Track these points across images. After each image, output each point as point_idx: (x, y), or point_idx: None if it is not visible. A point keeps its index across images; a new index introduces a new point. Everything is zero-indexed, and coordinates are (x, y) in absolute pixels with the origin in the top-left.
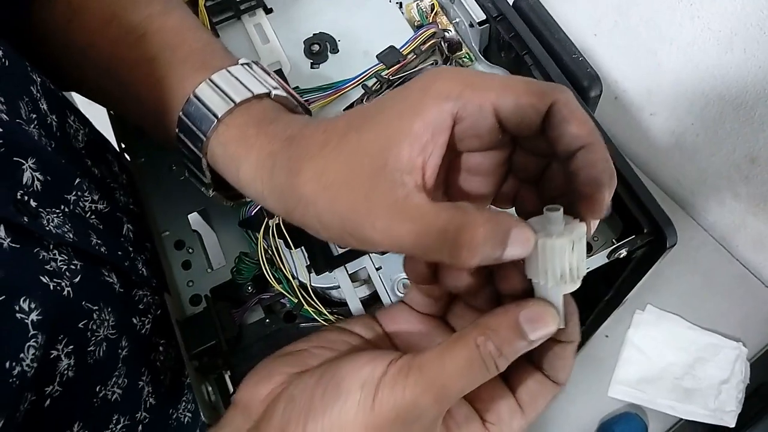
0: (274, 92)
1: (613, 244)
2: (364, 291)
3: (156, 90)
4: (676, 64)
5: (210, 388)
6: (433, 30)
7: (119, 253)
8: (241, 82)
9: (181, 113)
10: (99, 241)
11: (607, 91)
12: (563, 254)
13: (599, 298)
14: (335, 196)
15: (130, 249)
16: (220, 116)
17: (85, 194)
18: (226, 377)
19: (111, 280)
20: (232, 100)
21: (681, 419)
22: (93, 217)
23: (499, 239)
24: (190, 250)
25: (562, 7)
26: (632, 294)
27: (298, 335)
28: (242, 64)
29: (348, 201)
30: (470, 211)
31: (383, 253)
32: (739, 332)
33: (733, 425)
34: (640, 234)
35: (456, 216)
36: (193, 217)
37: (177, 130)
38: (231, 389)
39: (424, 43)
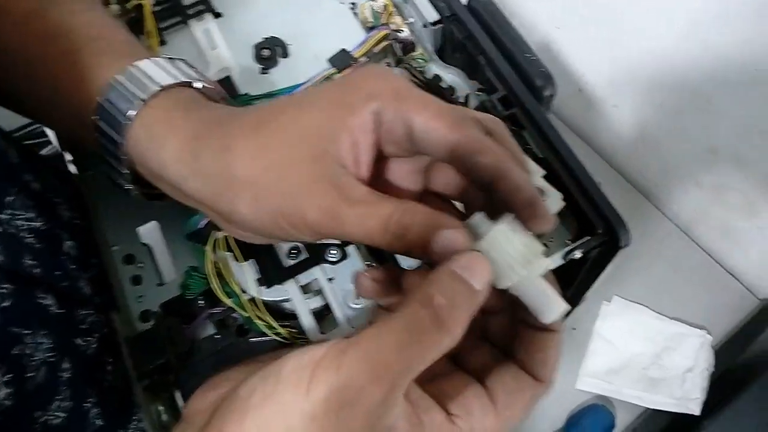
0: (195, 84)
1: (567, 245)
2: (317, 302)
3: (78, 80)
4: (636, 55)
5: (161, 408)
6: (385, 32)
7: (57, 272)
8: (166, 70)
9: (101, 99)
10: (33, 262)
11: (572, 84)
12: (505, 242)
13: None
14: (279, 175)
15: (72, 267)
16: (145, 98)
17: (19, 212)
18: (177, 396)
19: (47, 302)
20: (158, 84)
21: (648, 409)
22: (29, 235)
23: (433, 227)
24: (140, 265)
25: (524, 1)
26: (598, 286)
27: (248, 350)
28: (167, 58)
29: (292, 180)
30: (408, 202)
31: (335, 263)
32: (704, 320)
33: (698, 413)
34: (594, 235)
35: (397, 204)
36: (144, 230)
37: (96, 118)
38: (181, 408)
39: (376, 45)
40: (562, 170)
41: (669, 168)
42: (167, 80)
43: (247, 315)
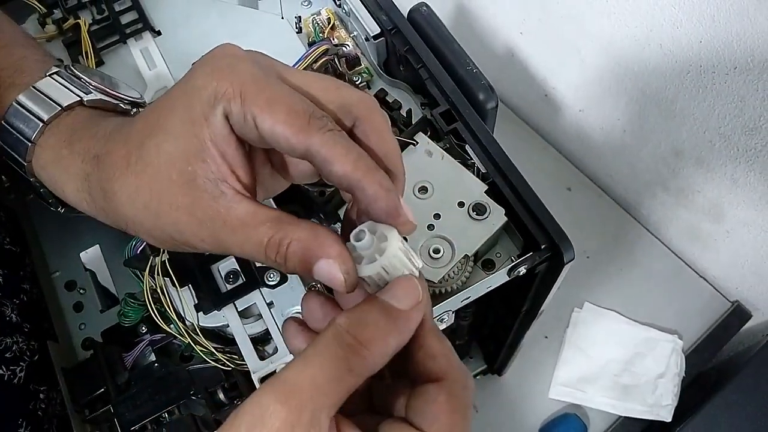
0: (86, 98)
1: (511, 261)
2: (257, 327)
3: None
4: (598, 60)
5: None
6: (325, 47)
7: None
8: (49, 98)
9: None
10: None
11: (538, 89)
12: (396, 260)
13: (518, 311)
14: (157, 215)
15: None
16: (32, 139)
17: None
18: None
19: None
20: (41, 120)
21: (620, 417)
22: None
23: (310, 255)
24: (82, 291)
25: (487, 6)
26: (569, 293)
27: (187, 378)
28: (52, 74)
29: (170, 218)
30: (287, 223)
31: (274, 287)
32: (675, 324)
33: (669, 419)
34: (537, 250)
35: (274, 228)
36: (86, 256)
37: (5, 158)
38: None
39: (316, 61)
40: (504, 185)
41: (636, 172)
42: (49, 112)
43: (187, 342)
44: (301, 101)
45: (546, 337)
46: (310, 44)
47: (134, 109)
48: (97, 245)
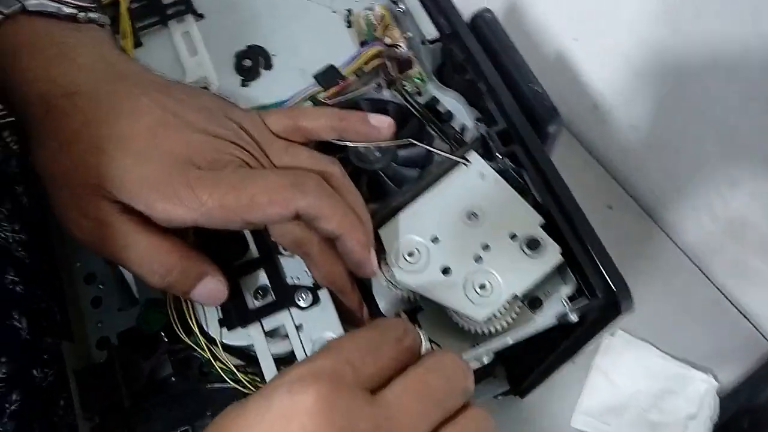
0: (27, 3)
1: (564, 305)
2: (283, 347)
3: None
4: (656, 77)
5: None
6: (378, 48)
7: (39, 292)
8: None
9: None
10: (17, 278)
11: (587, 99)
12: None
13: (556, 346)
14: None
15: (48, 288)
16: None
17: (5, 223)
18: None
19: (19, 325)
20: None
21: None
22: (20, 249)
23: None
24: (101, 286)
25: (541, 6)
26: None
27: (207, 398)
28: None
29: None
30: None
31: (304, 309)
32: (711, 362)
33: None
34: (593, 297)
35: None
36: None
37: None
38: None
39: (367, 62)
40: (562, 221)
41: (684, 197)
42: None
43: (207, 357)
44: (281, 175)
45: (573, 362)
46: (362, 43)
47: (81, 13)
48: None
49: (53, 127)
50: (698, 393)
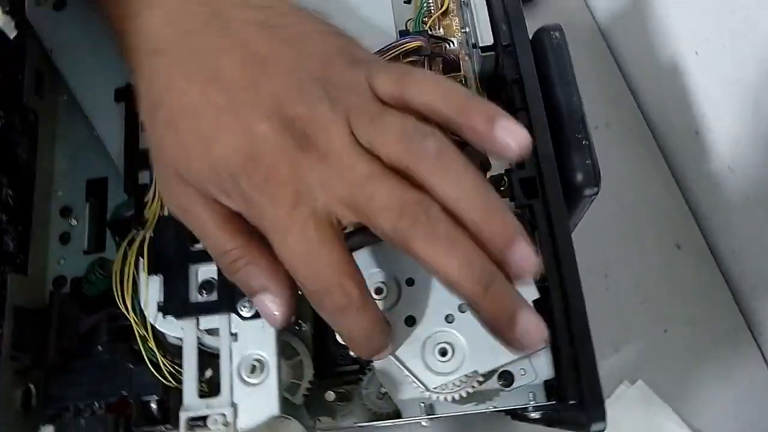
0: None
1: (530, 397)
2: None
3: None
4: None
5: (34, 391)
6: (418, 43)
7: None
8: None
9: None
10: None
11: (690, 123)
12: None
13: None
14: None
15: (3, 217)
16: None
17: None
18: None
19: None
20: None
21: None
22: None
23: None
24: (75, 222)
25: (669, 10)
26: (620, 361)
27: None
28: None
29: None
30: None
31: (246, 319)
32: None
33: None
34: (562, 401)
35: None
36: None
37: None
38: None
39: (404, 56)
40: (560, 306)
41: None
42: None
43: (142, 333)
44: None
45: None
46: (402, 33)
47: None
48: (107, 177)
49: (141, 90)
50: None
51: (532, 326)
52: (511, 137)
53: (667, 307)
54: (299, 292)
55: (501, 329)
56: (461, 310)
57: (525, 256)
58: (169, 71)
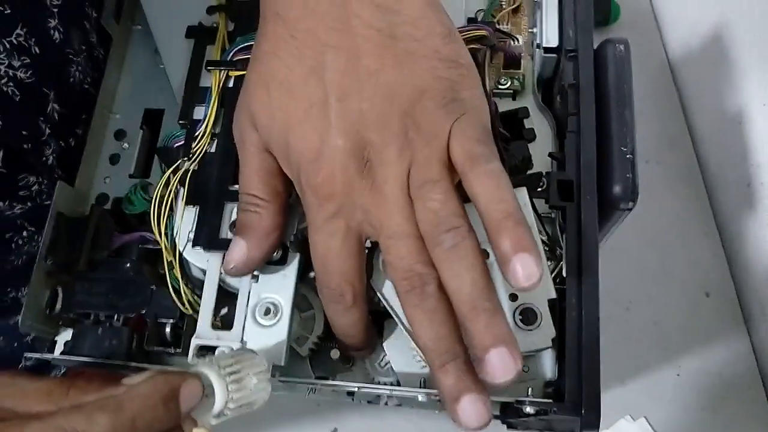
0: None
1: (528, 392)
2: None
3: None
4: None
5: (61, 294)
6: (483, 32)
7: (24, 132)
8: None
9: None
10: None
11: (744, 173)
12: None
13: None
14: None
15: (47, 130)
16: None
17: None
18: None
19: None
20: None
21: None
22: (9, 84)
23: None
24: (127, 146)
25: (742, 57)
26: (625, 394)
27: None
28: None
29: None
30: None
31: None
32: None
33: None
34: (559, 401)
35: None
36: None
37: None
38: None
39: (467, 43)
40: (574, 310)
41: None
42: None
43: (170, 259)
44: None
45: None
46: (470, 20)
47: None
48: (165, 109)
49: (258, 38)
50: None
51: (474, 412)
52: (522, 274)
53: (684, 351)
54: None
55: (445, 403)
56: None
57: (496, 366)
58: (282, 39)
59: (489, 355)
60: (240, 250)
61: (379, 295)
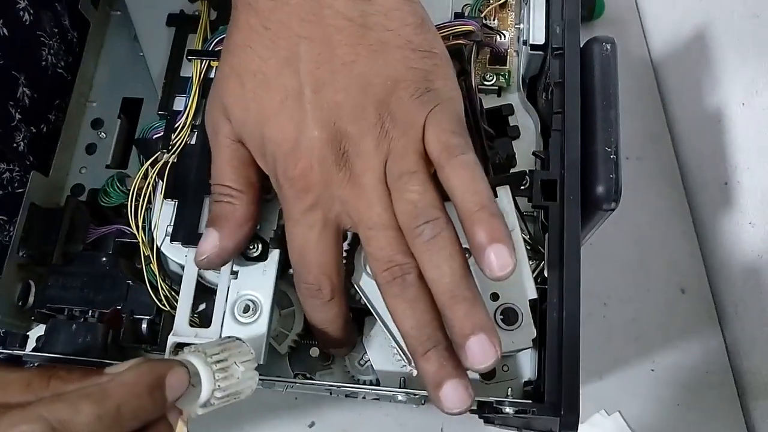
0: None
1: (507, 393)
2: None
3: None
4: None
5: (33, 288)
6: (470, 28)
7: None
8: None
9: None
10: None
11: (721, 173)
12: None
13: None
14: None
15: (17, 116)
16: None
17: None
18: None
19: None
20: None
21: None
22: None
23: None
24: (103, 136)
25: (725, 58)
26: (602, 392)
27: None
28: None
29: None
30: None
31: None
32: None
33: None
34: (539, 402)
35: None
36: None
37: None
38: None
39: (453, 38)
40: (553, 309)
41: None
42: None
43: (147, 254)
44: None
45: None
46: (457, 15)
47: None
48: (143, 98)
49: (230, 28)
50: None
51: (456, 396)
52: (497, 264)
53: (660, 347)
54: None
55: (427, 387)
56: None
57: (476, 353)
58: (255, 31)
59: (469, 342)
60: (212, 240)
61: (358, 290)
